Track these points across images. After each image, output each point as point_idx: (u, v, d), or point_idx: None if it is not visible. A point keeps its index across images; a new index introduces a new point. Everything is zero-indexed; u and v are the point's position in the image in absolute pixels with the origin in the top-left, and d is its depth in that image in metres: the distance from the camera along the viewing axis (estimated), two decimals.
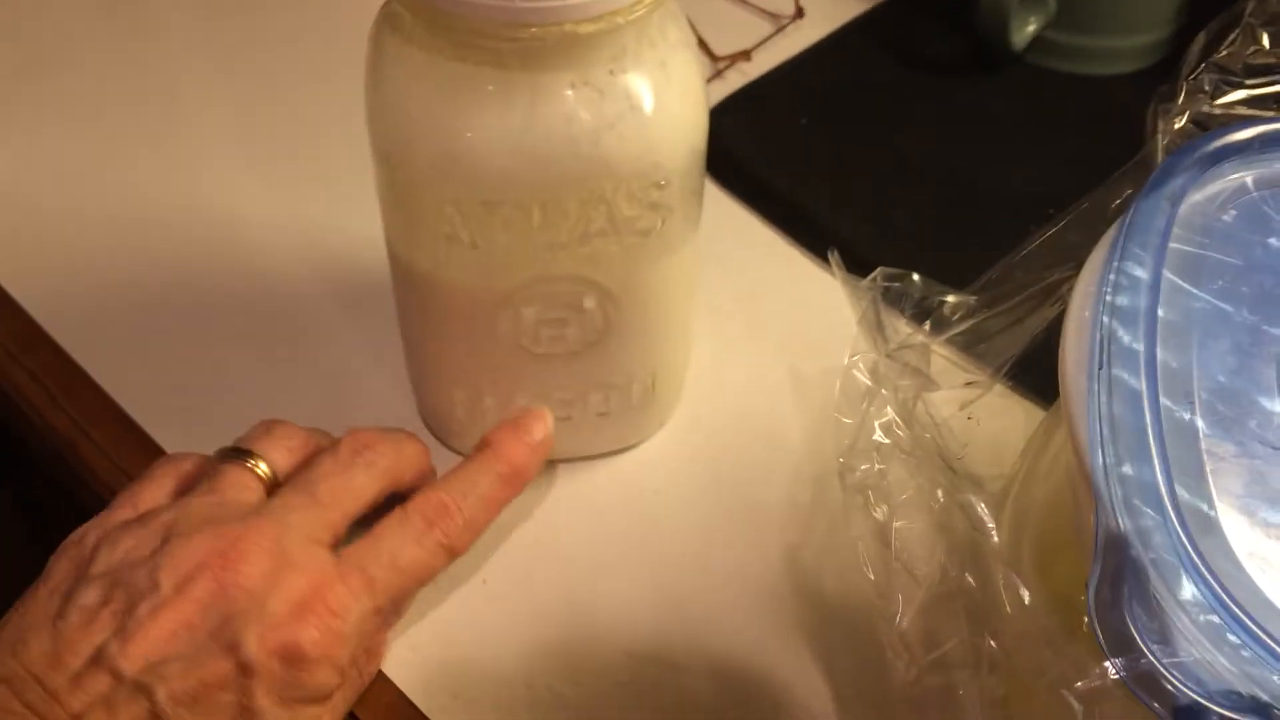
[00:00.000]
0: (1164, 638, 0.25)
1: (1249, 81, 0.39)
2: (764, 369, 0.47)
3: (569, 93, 0.34)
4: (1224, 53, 0.40)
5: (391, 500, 0.38)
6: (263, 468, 0.38)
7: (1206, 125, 0.38)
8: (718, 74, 0.59)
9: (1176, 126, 0.39)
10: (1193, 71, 0.40)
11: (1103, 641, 0.25)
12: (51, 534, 0.36)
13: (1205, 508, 0.27)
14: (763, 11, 0.62)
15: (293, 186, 0.54)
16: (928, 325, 0.44)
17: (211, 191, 0.54)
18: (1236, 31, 0.40)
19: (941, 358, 0.44)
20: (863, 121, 0.56)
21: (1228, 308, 0.30)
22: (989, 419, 0.43)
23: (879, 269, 0.43)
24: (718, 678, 0.39)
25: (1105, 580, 0.26)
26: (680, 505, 0.43)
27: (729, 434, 0.45)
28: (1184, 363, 0.29)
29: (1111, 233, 0.32)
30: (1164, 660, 0.25)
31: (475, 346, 0.40)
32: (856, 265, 0.45)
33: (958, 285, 0.43)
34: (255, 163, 0.55)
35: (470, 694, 0.38)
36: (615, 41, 0.34)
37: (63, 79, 0.58)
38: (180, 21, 0.62)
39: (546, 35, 0.32)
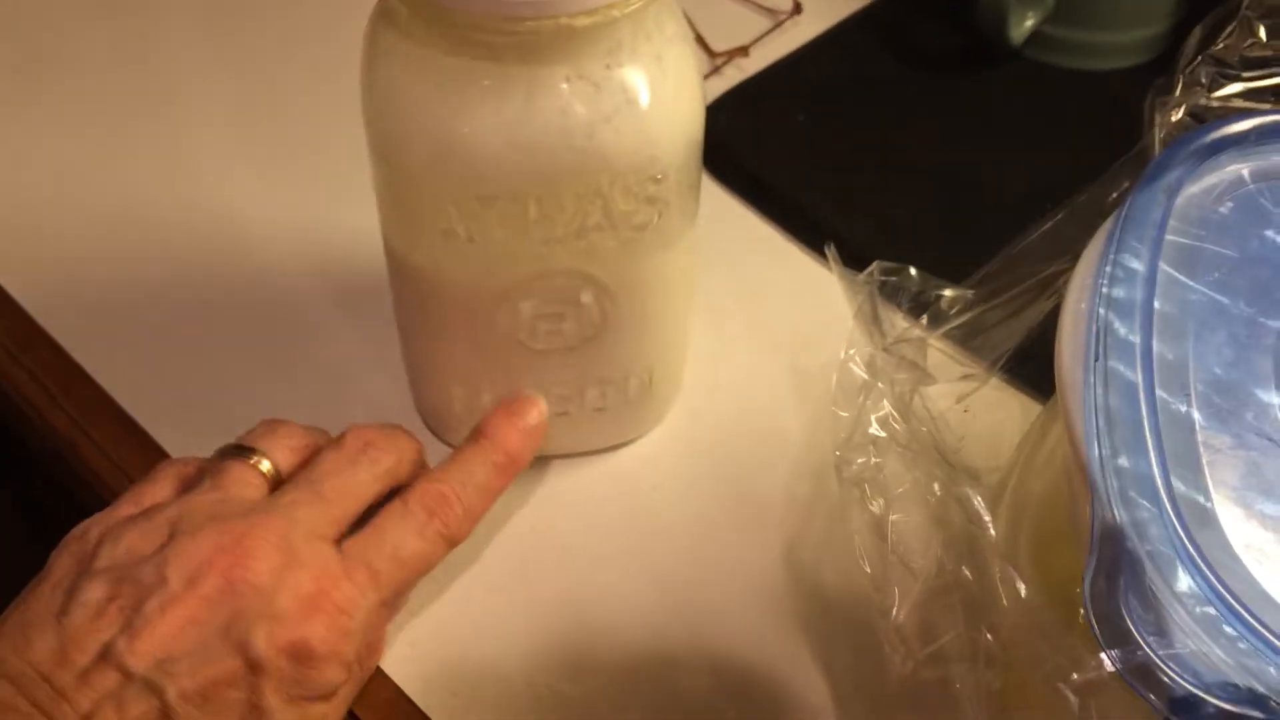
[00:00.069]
0: (1160, 630, 0.25)
1: (1246, 74, 0.39)
2: (761, 364, 0.47)
3: (564, 86, 0.34)
4: (1221, 45, 0.40)
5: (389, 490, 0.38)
6: (265, 465, 0.38)
7: (1203, 118, 0.38)
8: (715, 70, 0.59)
9: (1173, 119, 0.39)
10: (1189, 64, 0.39)
11: (1099, 634, 0.25)
12: (51, 534, 0.36)
13: (1201, 500, 0.27)
14: (760, 7, 0.62)
15: (291, 184, 0.54)
16: (924, 319, 0.43)
17: (210, 190, 0.54)
18: (1233, 24, 0.40)
19: (938, 351, 0.43)
20: (860, 117, 0.56)
21: (1224, 300, 0.30)
22: (985, 412, 0.43)
23: (876, 263, 0.43)
24: (715, 672, 0.39)
25: (1101, 572, 0.26)
26: (678, 500, 0.43)
27: (727, 429, 0.45)
28: (1180, 355, 0.29)
29: (1108, 225, 0.32)
30: (1160, 652, 0.25)
31: (473, 342, 0.40)
32: (853, 260, 0.45)
33: (955, 279, 0.43)
34: (253, 161, 0.55)
35: (469, 691, 0.38)
36: (611, 35, 0.34)
37: (62, 79, 0.58)
38: (179, 21, 0.62)
39: (542, 29, 0.32)
